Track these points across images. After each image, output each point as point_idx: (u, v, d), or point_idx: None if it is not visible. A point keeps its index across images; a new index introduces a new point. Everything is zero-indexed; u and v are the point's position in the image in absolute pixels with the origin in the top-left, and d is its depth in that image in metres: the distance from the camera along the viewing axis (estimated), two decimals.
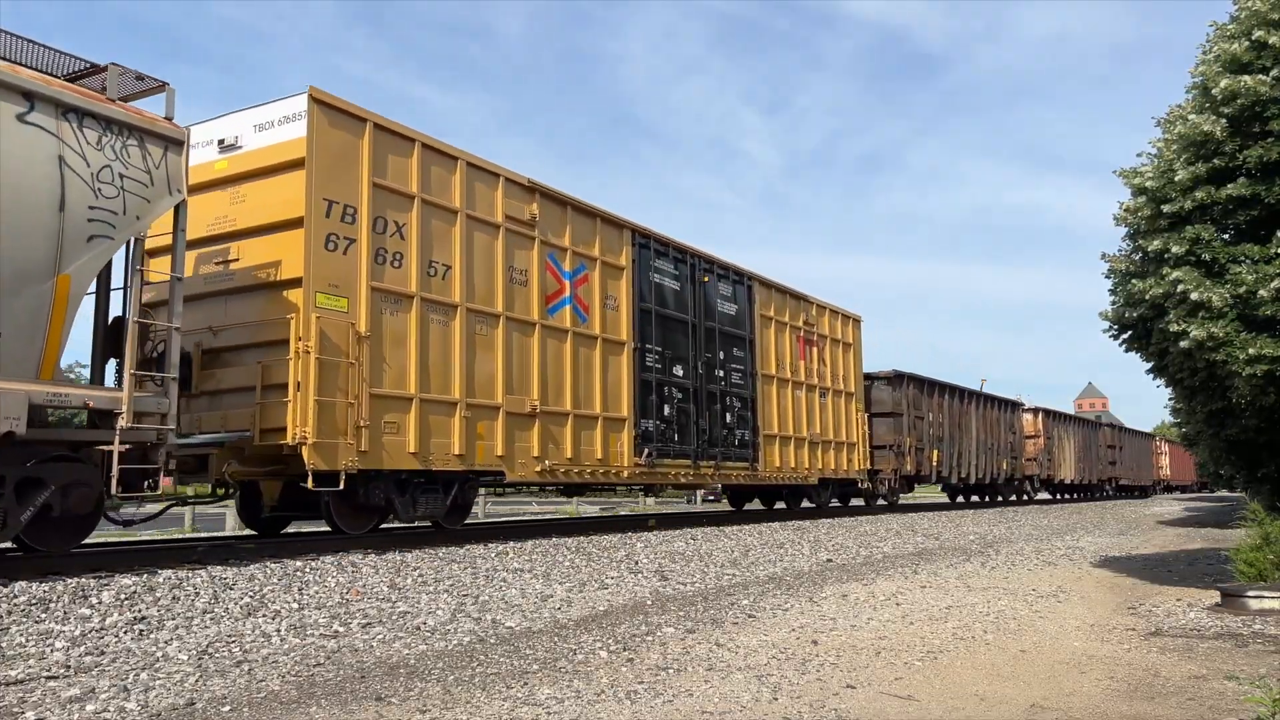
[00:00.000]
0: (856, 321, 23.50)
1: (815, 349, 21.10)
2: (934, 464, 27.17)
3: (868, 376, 24.38)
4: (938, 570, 12.67)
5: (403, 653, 6.64)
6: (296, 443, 9.56)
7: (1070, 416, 41.55)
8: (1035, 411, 37.30)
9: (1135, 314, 11.10)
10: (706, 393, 16.57)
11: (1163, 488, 62.66)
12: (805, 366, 20.47)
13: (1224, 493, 79.40)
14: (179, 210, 8.66)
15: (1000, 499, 34.73)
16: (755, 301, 18.62)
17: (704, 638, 7.28)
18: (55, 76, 8.04)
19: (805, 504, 22.26)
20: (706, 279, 16.93)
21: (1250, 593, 8.93)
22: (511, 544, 11.56)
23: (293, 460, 9.92)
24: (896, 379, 25.53)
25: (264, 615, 7.21)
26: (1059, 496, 43.27)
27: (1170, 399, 18.22)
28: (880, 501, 25.43)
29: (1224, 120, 9.44)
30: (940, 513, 26.33)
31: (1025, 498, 37.06)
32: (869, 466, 23.31)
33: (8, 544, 8.25)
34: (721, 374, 17.12)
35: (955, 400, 29.54)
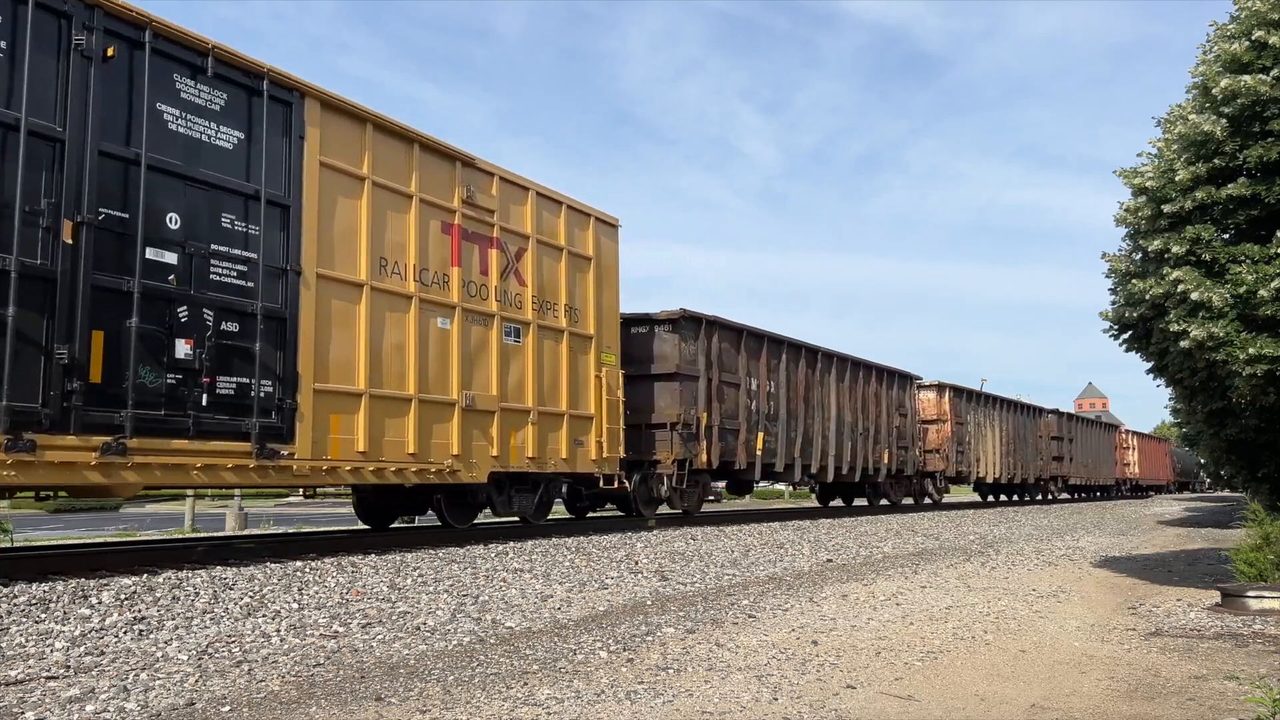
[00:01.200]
0: (608, 226, 15.10)
1: (496, 253, 12.50)
2: (758, 452, 18.33)
3: (637, 319, 16.39)
4: (938, 570, 12.67)
5: (403, 653, 6.64)
6: None
7: (994, 398, 32.39)
8: (939, 389, 28.58)
9: (1135, 314, 11.11)
10: (92, 291, 8.05)
11: (1129, 487, 52.25)
12: (464, 278, 11.94)
13: (1200, 492, 73.09)
14: None
15: (886, 501, 26.19)
16: (306, 136, 10.03)
17: (704, 638, 7.28)
18: None
19: (514, 519, 14.01)
20: (112, 52, 8.39)
21: (1250, 593, 8.94)
22: (511, 544, 11.57)
23: None
24: (689, 323, 16.59)
25: (264, 615, 7.21)
26: (989, 499, 36.02)
27: (1170, 399, 18.31)
28: (664, 509, 17.02)
29: (1224, 120, 9.45)
30: (942, 513, 26.18)
31: (929, 499, 28.94)
32: (621, 454, 14.76)
33: None
34: (174, 261, 8.70)
35: (800, 364, 20.34)
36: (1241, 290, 9.18)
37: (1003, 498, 37.31)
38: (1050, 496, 39.09)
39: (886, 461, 24.38)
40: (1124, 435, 51.47)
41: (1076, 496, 45.05)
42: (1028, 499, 37.58)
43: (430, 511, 13.66)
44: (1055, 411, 38.75)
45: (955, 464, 28.88)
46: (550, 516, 14.98)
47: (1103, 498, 47.18)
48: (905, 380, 26.33)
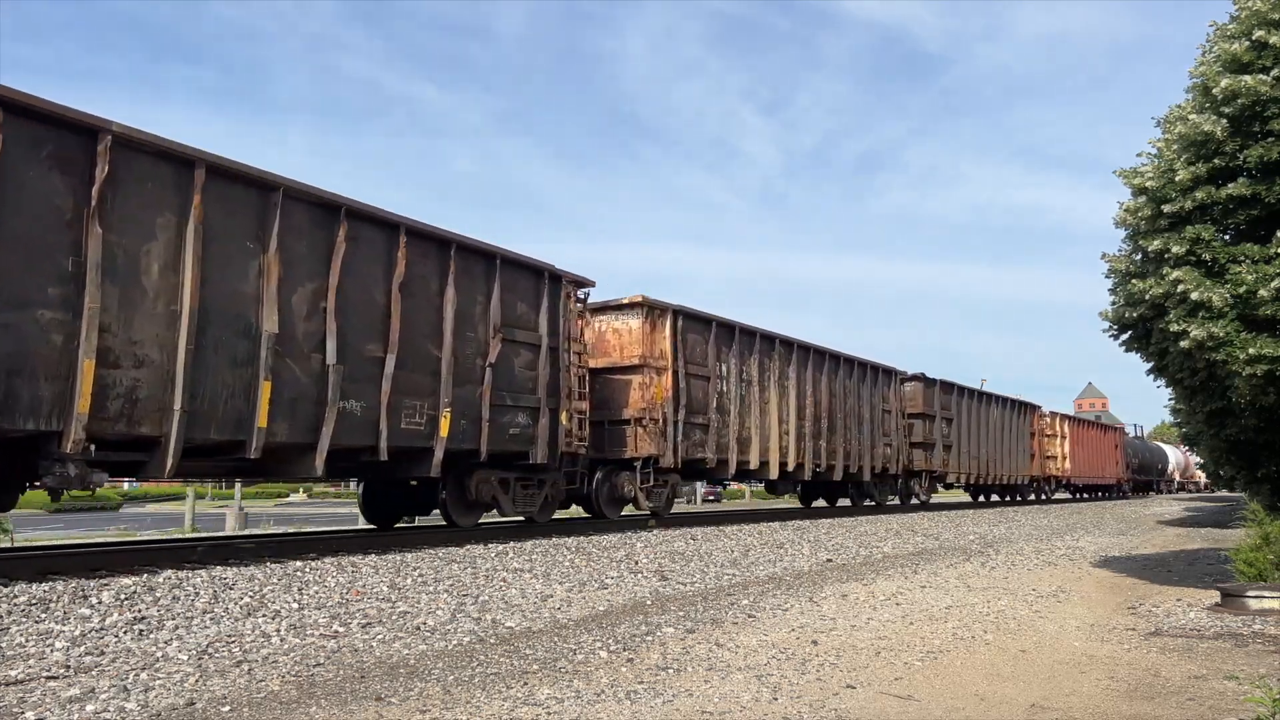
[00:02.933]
0: None
1: None
2: None
3: None
4: (937, 570, 12.67)
5: (403, 653, 6.64)
6: None
7: (790, 344, 19.43)
8: (648, 312, 15.64)
9: (1135, 314, 11.11)
10: None
11: (1057, 487, 38.89)
12: None
13: (1169, 494, 58.64)
14: None
15: (500, 515, 13.33)
16: None
17: (704, 638, 7.28)
18: None
19: None
20: None
21: (1250, 593, 8.94)
22: (511, 544, 11.57)
23: None
24: None
25: (264, 615, 7.21)
26: (823, 507, 24.53)
27: (1170, 399, 18.28)
28: None
29: (1224, 120, 9.45)
30: (942, 513, 26.07)
31: (629, 508, 15.99)
32: None
33: None
34: None
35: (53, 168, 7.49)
36: (1241, 290, 9.18)
37: (832, 500, 25.31)
38: (918, 498, 26.60)
39: (445, 434, 11.21)
40: (1047, 420, 37.21)
41: (983, 501, 34.14)
42: (869, 503, 24.31)
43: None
44: (920, 378, 25.88)
45: (684, 447, 15.85)
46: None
47: (1010, 501, 34.80)
48: (541, 280, 12.93)
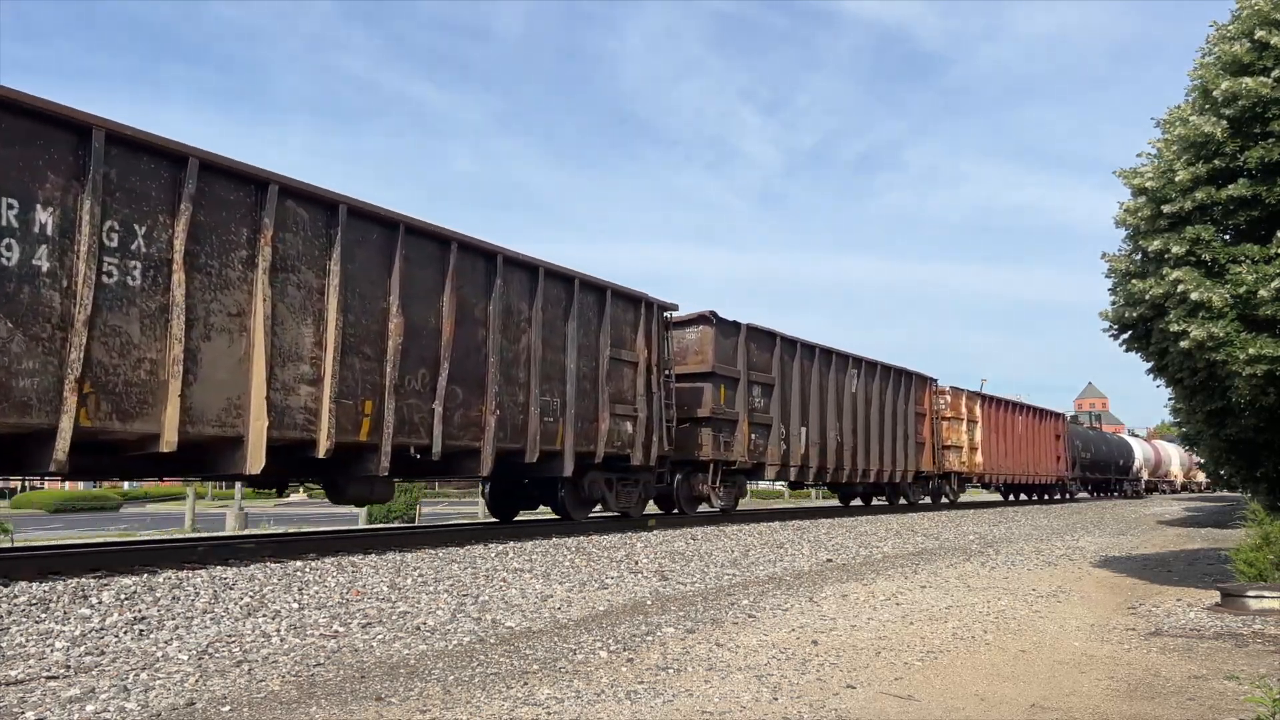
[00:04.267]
0: None
1: None
2: None
3: None
4: (938, 570, 12.67)
5: (403, 653, 6.64)
6: None
7: (337, 206, 9.60)
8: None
9: (1135, 314, 11.10)
10: None
11: (964, 485, 30.11)
12: None
13: (1132, 496, 47.86)
14: None
15: None
16: None
17: (704, 638, 7.28)
18: None
19: None
20: None
21: (1250, 593, 8.94)
22: (511, 544, 11.57)
23: None
24: None
25: (264, 615, 7.21)
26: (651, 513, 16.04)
27: (1170, 399, 18.23)
28: None
29: (1224, 121, 9.45)
30: (940, 512, 26.07)
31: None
32: None
33: None
34: None
35: None
36: (1241, 290, 9.18)
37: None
38: (710, 503, 17.12)
39: None
40: (948, 398, 27.70)
41: (859, 505, 25.25)
42: (599, 510, 15.36)
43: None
44: (709, 319, 16.76)
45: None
46: None
47: (896, 507, 25.41)
48: None
